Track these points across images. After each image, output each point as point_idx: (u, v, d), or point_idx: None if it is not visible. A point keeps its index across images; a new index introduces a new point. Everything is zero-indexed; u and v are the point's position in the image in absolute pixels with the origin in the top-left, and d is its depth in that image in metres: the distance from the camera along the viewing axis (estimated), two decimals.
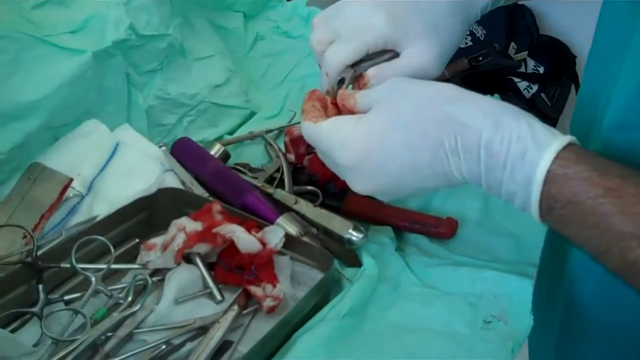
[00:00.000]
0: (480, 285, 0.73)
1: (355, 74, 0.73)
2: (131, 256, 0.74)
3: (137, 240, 0.75)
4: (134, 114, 0.86)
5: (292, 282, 0.73)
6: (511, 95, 2.49)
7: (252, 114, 1.01)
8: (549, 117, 2.62)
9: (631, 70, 0.65)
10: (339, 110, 0.71)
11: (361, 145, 0.61)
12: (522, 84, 2.54)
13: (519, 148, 0.54)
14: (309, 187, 0.85)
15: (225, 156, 0.88)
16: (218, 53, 1.02)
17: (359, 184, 0.63)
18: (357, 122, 0.62)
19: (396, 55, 0.72)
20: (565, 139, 0.54)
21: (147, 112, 0.87)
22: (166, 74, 0.91)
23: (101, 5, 0.87)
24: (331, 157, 0.64)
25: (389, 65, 0.72)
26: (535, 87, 2.55)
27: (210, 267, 0.74)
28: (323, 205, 0.82)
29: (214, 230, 0.72)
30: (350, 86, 0.74)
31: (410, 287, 0.74)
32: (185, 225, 0.72)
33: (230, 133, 0.97)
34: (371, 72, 0.72)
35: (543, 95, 2.54)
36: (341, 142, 0.62)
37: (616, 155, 0.65)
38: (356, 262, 0.75)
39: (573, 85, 2.69)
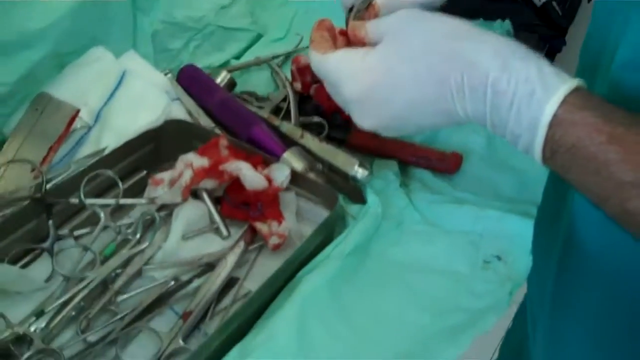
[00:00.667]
0: (482, 224, 0.75)
1: (365, 3, 0.72)
2: (139, 188, 0.76)
3: (145, 172, 0.76)
4: (140, 39, 0.85)
5: (297, 217, 0.74)
6: (521, 3, 2.43)
7: (259, 36, 1.00)
8: (560, 26, 2.57)
9: None
10: (349, 41, 0.71)
11: (368, 78, 0.60)
12: None
13: (527, 89, 0.53)
14: (315, 118, 0.85)
15: (232, 84, 0.88)
16: None
17: (363, 118, 0.63)
18: (365, 55, 0.62)
19: None
20: (573, 82, 0.54)
21: (152, 37, 0.86)
22: None
23: None
24: (338, 90, 0.64)
25: None
26: None
27: (216, 201, 0.75)
28: (328, 137, 0.83)
29: (220, 167, 0.73)
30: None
31: (414, 224, 0.75)
32: (192, 162, 0.73)
33: (237, 57, 0.96)
34: (380, 1, 0.71)
35: (554, 3, 2.48)
36: (348, 74, 0.62)
37: (625, 96, 0.65)
38: (360, 198, 0.76)
39: None
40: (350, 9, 0.73)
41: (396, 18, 0.62)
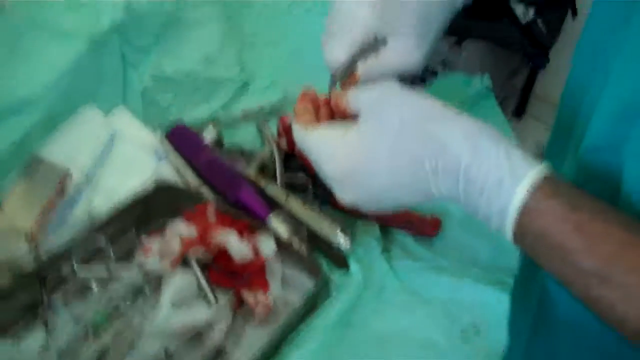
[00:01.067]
0: (460, 293, 0.78)
1: (347, 72, 0.75)
2: (129, 249, 0.78)
3: (135, 232, 0.79)
4: (129, 94, 0.87)
5: (282, 284, 0.77)
6: (506, 21, 2.46)
7: (246, 84, 1.02)
8: (544, 45, 2.61)
9: (611, 96, 0.68)
10: (332, 110, 0.74)
11: (346, 161, 0.64)
12: (519, 8, 2.51)
13: (496, 177, 0.57)
14: (300, 175, 0.88)
15: (219, 140, 0.91)
16: (213, 15, 1.02)
17: (343, 195, 0.67)
18: (344, 136, 0.65)
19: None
20: (542, 169, 0.57)
21: (142, 91, 0.88)
22: (162, 48, 0.91)
23: None
24: (319, 167, 0.68)
25: (377, 62, 0.74)
26: (532, 12, 2.53)
27: (205, 267, 0.78)
28: (314, 195, 0.86)
29: (208, 238, 0.75)
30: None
31: (394, 292, 0.78)
32: (181, 232, 0.75)
33: (225, 107, 0.98)
34: (361, 71, 0.74)
35: (539, 21, 2.52)
36: (328, 154, 0.66)
37: (591, 175, 0.69)
38: (343, 263, 0.79)
39: (570, 10, 2.67)
40: (332, 79, 0.76)
41: (374, 93, 0.66)
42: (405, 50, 0.72)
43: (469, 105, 1.03)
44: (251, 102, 0.97)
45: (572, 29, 2.78)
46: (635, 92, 0.61)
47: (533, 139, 3.01)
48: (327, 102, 0.74)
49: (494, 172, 0.56)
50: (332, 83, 0.76)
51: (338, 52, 0.74)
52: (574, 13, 2.70)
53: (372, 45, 0.74)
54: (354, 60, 0.74)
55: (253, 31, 1.09)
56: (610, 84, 0.67)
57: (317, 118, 0.72)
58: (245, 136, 0.93)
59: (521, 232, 0.57)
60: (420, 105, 0.61)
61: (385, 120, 0.62)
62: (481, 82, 1.01)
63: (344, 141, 0.64)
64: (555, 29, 2.66)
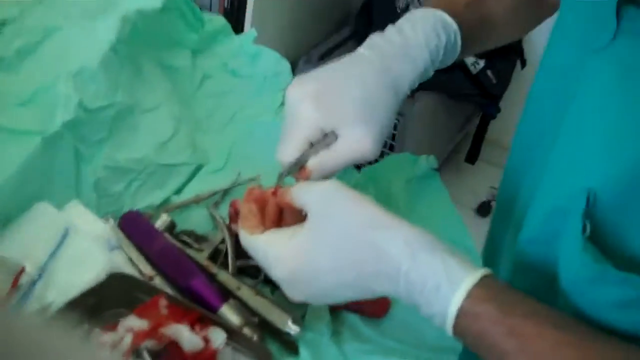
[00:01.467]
0: None
1: (295, 168, 0.78)
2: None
3: (87, 325, 0.80)
4: (82, 188, 0.88)
5: None
6: (457, 71, 2.54)
7: (199, 167, 1.04)
8: (493, 94, 2.69)
9: (545, 195, 0.72)
10: (279, 208, 0.77)
11: (292, 264, 0.67)
12: (469, 59, 2.59)
13: (434, 282, 0.60)
14: (252, 261, 0.90)
15: (171, 226, 0.92)
16: (166, 100, 1.05)
17: (291, 294, 0.70)
18: (289, 240, 0.68)
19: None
20: (477, 275, 0.61)
21: (95, 183, 0.90)
22: (115, 139, 0.93)
23: (50, 75, 0.89)
24: (266, 269, 0.71)
25: (328, 153, 0.77)
26: (482, 63, 2.61)
27: (157, 356, 0.79)
28: (265, 280, 0.88)
29: (160, 331, 0.77)
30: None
31: None
32: (132, 326, 0.77)
33: (178, 191, 1.00)
34: (311, 164, 0.77)
35: (489, 72, 2.60)
36: (274, 257, 0.69)
37: (529, 265, 0.73)
38: (294, 348, 0.81)
39: (519, 61, 2.76)
40: (281, 175, 0.79)
41: (317, 192, 0.69)
42: (354, 139, 0.76)
43: (415, 185, 1.06)
44: (205, 185, 1.00)
45: (522, 77, 2.86)
46: (565, 197, 0.65)
47: (487, 183, 3.08)
48: (275, 193, 0.77)
49: (432, 278, 0.60)
50: (279, 178, 0.79)
51: (287, 151, 0.78)
52: (523, 64, 2.79)
53: (323, 140, 0.77)
54: (303, 158, 0.77)
55: (206, 113, 1.12)
56: (545, 182, 0.71)
57: (263, 215, 0.75)
58: (198, 221, 0.95)
59: (461, 332, 0.61)
60: (362, 211, 0.65)
61: (329, 227, 0.65)
62: (427, 162, 1.04)
63: (288, 247, 0.67)
64: (505, 79, 2.74)
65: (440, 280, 0.60)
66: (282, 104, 1.15)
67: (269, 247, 0.70)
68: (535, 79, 0.80)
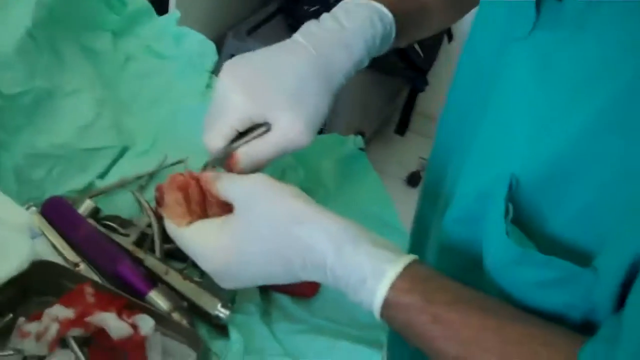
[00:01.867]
0: (336, 355, 0.82)
1: (225, 153, 0.78)
2: (7, 331, 0.78)
3: (11, 315, 0.79)
4: (2, 175, 0.86)
5: (163, 356, 0.78)
6: None
7: (124, 149, 1.03)
8: (421, 69, 2.72)
9: (469, 178, 0.73)
10: (202, 190, 0.77)
11: (221, 259, 0.68)
12: None
13: (359, 276, 0.62)
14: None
15: (96, 212, 0.91)
16: (87, 83, 1.02)
17: (222, 283, 0.71)
18: (217, 236, 0.68)
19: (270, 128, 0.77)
20: (400, 265, 0.62)
21: (15, 170, 0.87)
22: (34, 127, 0.91)
23: None
24: (196, 260, 0.71)
25: (260, 142, 0.77)
26: None
27: (84, 344, 0.78)
28: (194, 264, 0.87)
29: (86, 319, 0.76)
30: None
31: (275, 356, 0.81)
32: (57, 315, 0.76)
33: (102, 175, 0.98)
34: (241, 151, 0.77)
35: (417, 46, 2.63)
36: (202, 252, 0.69)
37: (454, 244, 0.74)
38: (224, 330, 0.82)
39: (445, 36, 2.79)
40: (207, 163, 0.78)
41: (244, 189, 0.69)
42: (286, 128, 0.75)
43: (343, 165, 1.07)
44: (131, 168, 0.98)
45: (450, 51, 2.90)
46: (489, 181, 0.66)
47: (416, 153, 3.12)
48: (196, 178, 0.76)
49: (356, 272, 0.61)
50: (205, 167, 0.78)
51: (215, 140, 0.77)
52: (450, 38, 2.83)
53: (255, 130, 0.77)
54: (231, 148, 0.76)
55: (131, 95, 1.10)
56: (470, 165, 0.73)
57: (188, 202, 0.75)
58: (123, 205, 0.94)
59: (388, 321, 0.62)
60: (287, 206, 0.65)
61: (256, 221, 0.65)
62: (354, 143, 1.05)
63: (217, 241, 0.67)
64: (432, 53, 2.78)
65: (365, 273, 0.61)
66: (208, 85, 1.14)
67: (197, 242, 0.70)
68: (459, 64, 0.82)
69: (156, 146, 1.05)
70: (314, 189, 1.05)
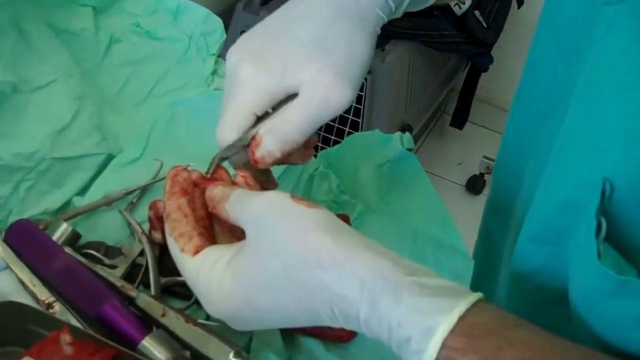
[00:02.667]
0: None
1: (235, 148, 0.76)
2: None
3: None
4: None
5: None
6: (438, 15, 2.52)
7: (109, 158, 1.02)
8: (484, 43, 2.68)
9: (552, 182, 0.71)
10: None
11: (229, 304, 0.66)
12: None
13: (401, 334, 0.59)
14: (180, 278, 0.88)
15: (74, 237, 0.90)
16: (62, 74, 1.02)
17: (233, 326, 0.69)
18: (224, 274, 0.66)
19: None
20: (454, 315, 0.59)
21: None
22: None
23: None
24: (199, 299, 0.69)
25: (284, 113, 0.75)
26: (468, 2, 2.60)
27: None
28: (198, 303, 0.86)
29: None
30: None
31: None
32: None
33: (82, 191, 0.97)
34: (264, 130, 0.75)
35: (477, 13, 2.58)
36: (207, 293, 0.67)
37: (531, 269, 0.72)
38: None
39: (515, 1, 2.76)
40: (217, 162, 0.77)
41: (257, 212, 0.67)
42: (313, 83, 0.73)
43: (387, 171, 1.05)
44: (117, 181, 0.97)
45: (520, 19, 2.87)
46: (575, 188, 0.64)
47: (479, 152, 3.09)
48: (200, 184, 0.75)
49: (397, 329, 0.58)
50: (212, 164, 0.77)
51: (226, 131, 0.75)
52: (520, 2, 2.80)
53: (278, 108, 0.75)
54: (247, 137, 0.75)
55: (116, 88, 1.09)
56: (551, 168, 0.70)
57: (194, 209, 0.73)
58: (109, 229, 0.93)
59: None
60: (310, 242, 0.62)
61: (269, 260, 0.63)
62: (401, 142, 1.03)
63: (222, 280, 0.65)
64: (497, 22, 2.73)
65: (408, 331, 0.59)
66: (215, 73, 1.13)
67: (201, 279, 0.69)
68: (535, 37, 0.79)
69: (150, 152, 1.04)
70: (350, 202, 1.03)
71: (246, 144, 0.76)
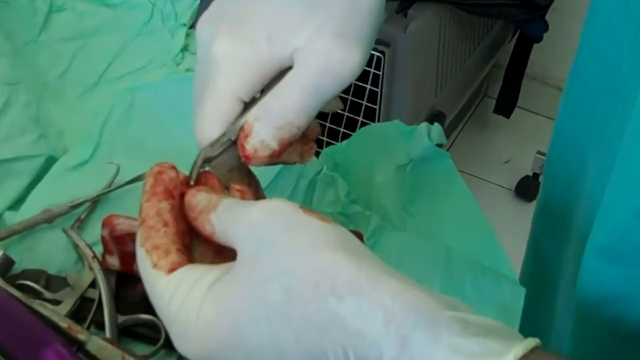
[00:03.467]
0: None
1: (225, 142, 0.76)
2: None
3: None
4: None
5: None
6: None
7: (50, 160, 1.02)
8: (536, 4, 2.67)
9: (625, 181, 0.70)
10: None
11: (209, 339, 0.65)
12: None
13: None
14: (144, 316, 0.88)
15: (6, 265, 0.90)
16: None
17: None
18: (204, 300, 0.65)
19: None
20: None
21: None
22: None
23: None
24: (170, 335, 0.68)
25: (279, 90, 0.75)
26: None
27: None
28: (167, 345, 0.86)
29: None
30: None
31: None
32: None
33: (16, 204, 0.97)
34: (253, 116, 0.75)
35: None
36: (182, 323, 0.66)
37: (603, 293, 0.72)
38: None
39: None
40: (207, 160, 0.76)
41: (253, 228, 0.66)
42: (310, 50, 0.73)
43: (411, 173, 1.05)
44: (61, 189, 0.97)
45: None
46: None
47: (532, 146, 3.08)
48: (186, 184, 0.75)
49: None
50: (194, 168, 0.76)
51: (207, 125, 0.75)
52: None
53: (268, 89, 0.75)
54: (236, 125, 0.74)
55: (58, 70, 1.09)
56: (623, 164, 0.70)
57: (177, 218, 0.73)
58: (50, 251, 0.93)
59: None
60: (321, 264, 0.62)
61: (266, 285, 0.62)
62: (428, 135, 1.02)
63: (202, 308, 0.64)
64: None
65: None
66: (186, 48, 1.13)
67: (175, 303, 0.67)
68: None
69: (102, 153, 1.04)
70: (363, 215, 1.02)
71: (234, 138, 0.76)
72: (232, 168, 0.77)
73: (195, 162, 0.76)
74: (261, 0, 0.74)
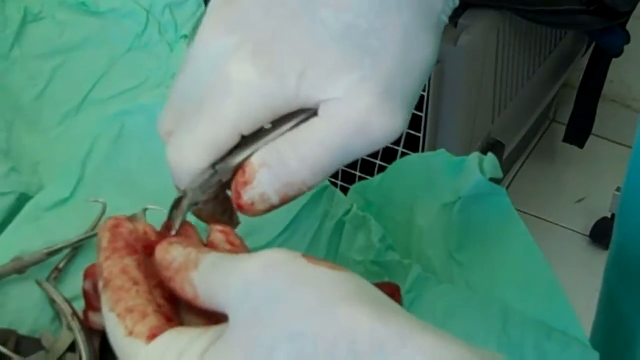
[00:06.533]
0: None
1: (214, 181, 0.75)
2: None
3: None
4: None
5: None
6: None
7: (23, 198, 1.02)
8: (615, 11, 2.67)
9: None
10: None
11: None
12: None
13: None
14: None
15: None
16: None
17: None
18: None
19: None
20: None
21: None
22: None
23: None
24: None
25: (295, 136, 0.74)
26: None
27: None
28: None
29: None
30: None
31: None
32: None
33: None
34: (258, 161, 0.74)
35: None
36: None
37: None
38: None
39: None
40: (179, 200, 0.76)
41: (248, 287, 0.65)
42: (344, 100, 0.72)
43: (461, 212, 1.05)
44: (36, 233, 0.98)
45: None
46: None
47: (611, 182, 3.07)
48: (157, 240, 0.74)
49: None
50: (174, 216, 0.76)
51: (193, 154, 0.74)
52: None
53: (276, 127, 0.74)
54: (231, 162, 0.74)
55: (34, 92, 1.11)
56: None
57: (148, 275, 0.72)
58: (22, 306, 0.94)
59: None
60: (340, 323, 0.61)
61: (268, 350, 0.62)
62: (480, 168, 1.02)
63: None
64: None
65: None
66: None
67: None
68: None
69: (85, 189, 1.04)
70: (401, 264, 1.02)
71: (226, 180, 0.75)
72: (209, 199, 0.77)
73: (178, 207, 0.75)
74: (303, 21, 0.72)
